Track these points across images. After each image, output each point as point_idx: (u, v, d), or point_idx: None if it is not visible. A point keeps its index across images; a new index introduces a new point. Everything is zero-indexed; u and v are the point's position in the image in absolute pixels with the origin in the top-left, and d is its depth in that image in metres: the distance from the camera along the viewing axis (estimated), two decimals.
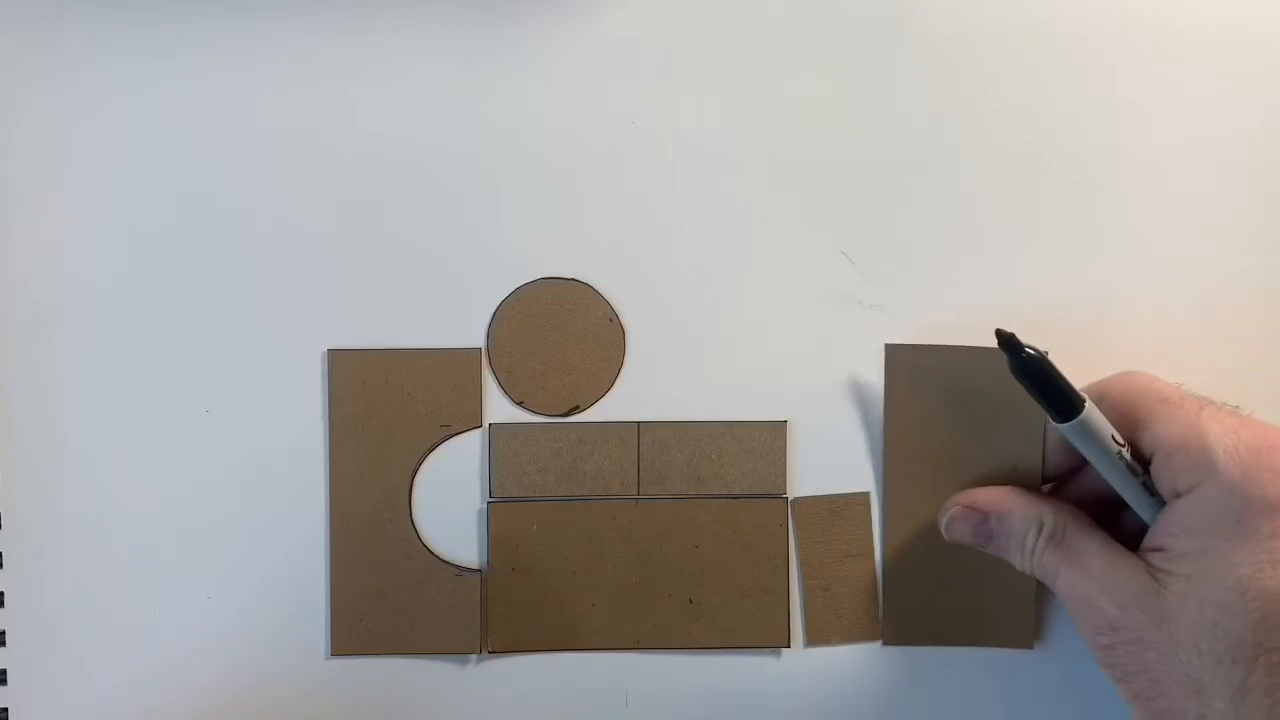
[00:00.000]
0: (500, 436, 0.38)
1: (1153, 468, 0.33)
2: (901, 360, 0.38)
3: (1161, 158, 0.39)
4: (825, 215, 0.38)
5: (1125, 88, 0.39)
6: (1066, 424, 0.33)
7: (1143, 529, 0.34)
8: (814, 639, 0.38)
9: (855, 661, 0.38)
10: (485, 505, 0.38)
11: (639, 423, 0.38)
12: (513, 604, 0.38)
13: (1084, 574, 0.33)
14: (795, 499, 0.38)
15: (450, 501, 0.38)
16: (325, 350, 0.38)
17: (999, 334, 0.33)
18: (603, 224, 0.38)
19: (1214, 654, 0.30)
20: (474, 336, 0.38)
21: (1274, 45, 0.39)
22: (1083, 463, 0.35)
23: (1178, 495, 0.32)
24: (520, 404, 0.38)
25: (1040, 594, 0.38)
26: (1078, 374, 0.38)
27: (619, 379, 0.38)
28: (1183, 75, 0.39)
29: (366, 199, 0.38)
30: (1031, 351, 0.33)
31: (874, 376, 0.38)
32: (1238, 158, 0.39)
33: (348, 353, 0.38)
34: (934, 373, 0.38)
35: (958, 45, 0.39)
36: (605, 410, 0.38)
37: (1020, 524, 0.35)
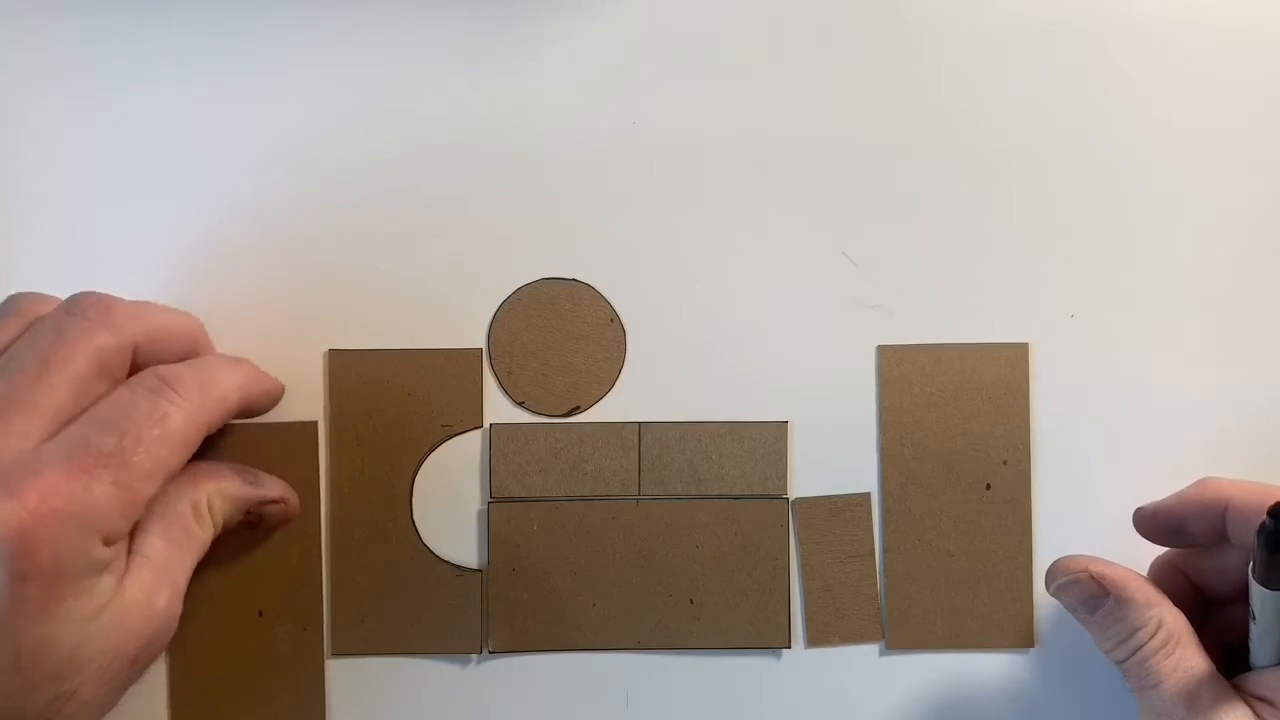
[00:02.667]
0: (501, 437, 0.38)
1: None
2: (894, 362, 0.38)
3: (1162, 157, 0.39)
4: (826, 215, 0.38)
5: (1126, 87, 0.39)
6: (1274, 592, 0.31)
7: (1227, 642, 0.33)
8: (815, 640, 0.38)
9: (856, 662, 0.38)
10: (485, 505, 0.38)
11: (639, 423, 0.38)
12: (513, 604, 0.38)
13: (1185, 699, 0.31)
14: (796, 499, 0.38)
15: (450, 501, 0.38)
16: (325, 350, 0.38)
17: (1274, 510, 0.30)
18: (603, 224, 0.38)
19: None
20: (475, 337, 0.38)
21: (1275, 44, 0.39)
22: (1236, 591, 0.34)
23: None
24: (521, 404, 0.38)
25: (1040, 595, 0.38)
26: (1077, 373, 0.38)
27: (619, 379, 0.38)
28: (1183, 75, 0.39)
29: (367, 199, 0.38)
30: None
31: (874, 377, 0.38)
32: (1239, 157, 0.39)
33: (348, 353, 0.38)
34: (926, 373, 0.38)
35: (958, 45, 0.39)
36: (606, 410, 0.38)
37: (1138, 616, 0.33)
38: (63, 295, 0.33)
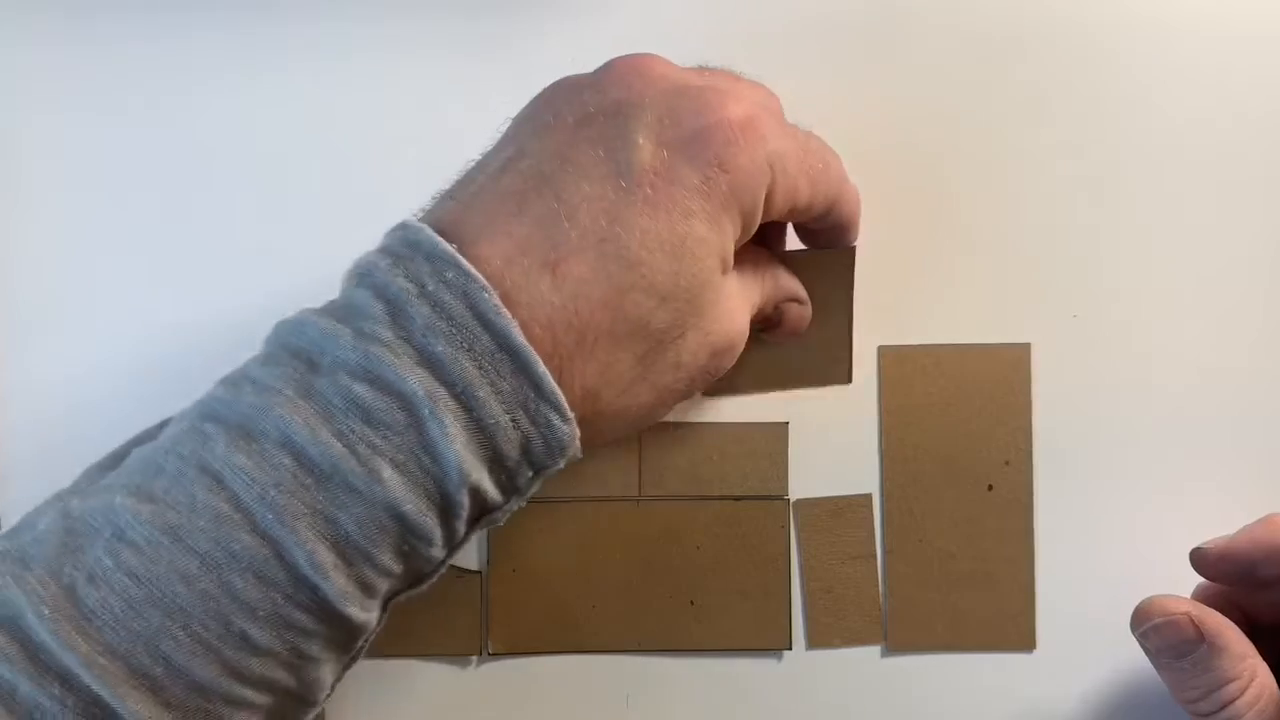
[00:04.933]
0: None
1: None
2: (895, 362, 0.38)
3: (1162, 157, 0.39)
4: None
5: (1127, 87, 0.39)
6: None
7: None
8: (815, 641, 0.38)
9: (857, 664, 0.38)
10: None
11: None
12: (513, 605, 0.38)
13: None
14: (796, 500, 0.38)
15: None
16: None
17: None
18: None
19: None
20: None
21: (1276, 44, 0.39)
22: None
23: None
24: None
25: (1041, 597, 0.38)
26: (1079, 373, 0.38)
27: None
28: (1185, 75, 0.39)
29: (367, 198, 0.38)
30: None
31: (875, 377, 0.38)
32: (1241, 157, 0.39)
33: None
34: (927, 373, 0.38)
35: (959, 45, 0.39)
36: None
37: (1232, 668, 0.31)
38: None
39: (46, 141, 0.38)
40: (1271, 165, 0.39)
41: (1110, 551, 0.38)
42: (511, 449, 0.28)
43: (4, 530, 0.29)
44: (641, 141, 0.28)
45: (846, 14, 0.39)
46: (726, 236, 0.30)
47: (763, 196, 0.30)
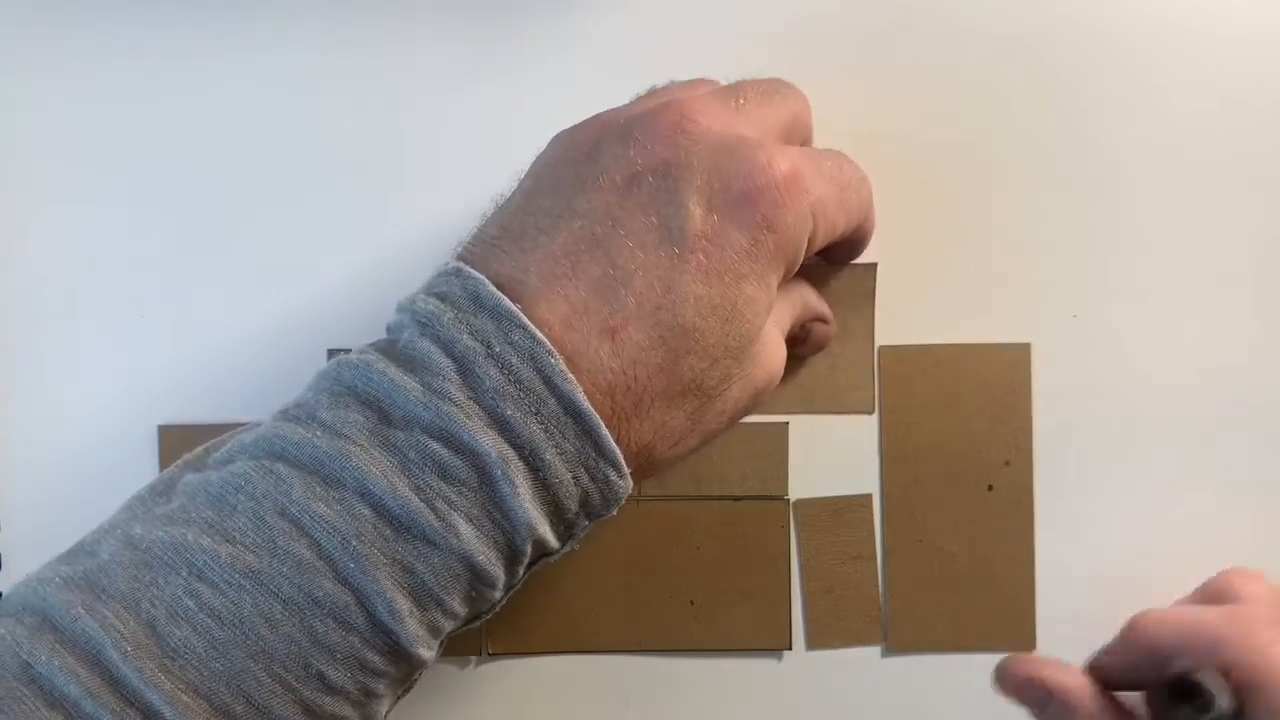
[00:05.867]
0: None
1: None
2: (895, 362, 0.38)
3: (1162, 156, 0.39)
4: None
5: (1127, 86, 0.39)
6: None
7: None
8: (815, 642, 0.38)
9: (857, 665, 0.38)
10: None
11: None
12: (513, 605, 0.38)
13: None
14: (797, 500, 0.38)
15: None
16: (325, 350, 0.38)
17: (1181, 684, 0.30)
18: None
19: None
20: None
21: (1276, 45, 0.39)
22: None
23: None
24: None
25: (1042, 597, 0.38)
26: (1079, 373, 0.38)
27: None
28: (1185, 74, 0.39)
29: (367, 198, 0.38)
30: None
31: (875, 377, 0.38)
32: (1242, 157, 0.39)
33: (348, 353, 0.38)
34: (927, 373, 0.38)
35: (959, 45, 0.39)
36: None
37: None
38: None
39: (46, 140, 0.38)
40: (1272, 165, 0.38)
41: (1110, 551, 0.38)
42: (572, 503, 0.29)
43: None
44: (692, 208, 0.29)
45: (846, 13, 0.39)
46: (772, 290, 0.31)
47: (805, 244, 0.31)
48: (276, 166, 0.38)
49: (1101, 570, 0.38)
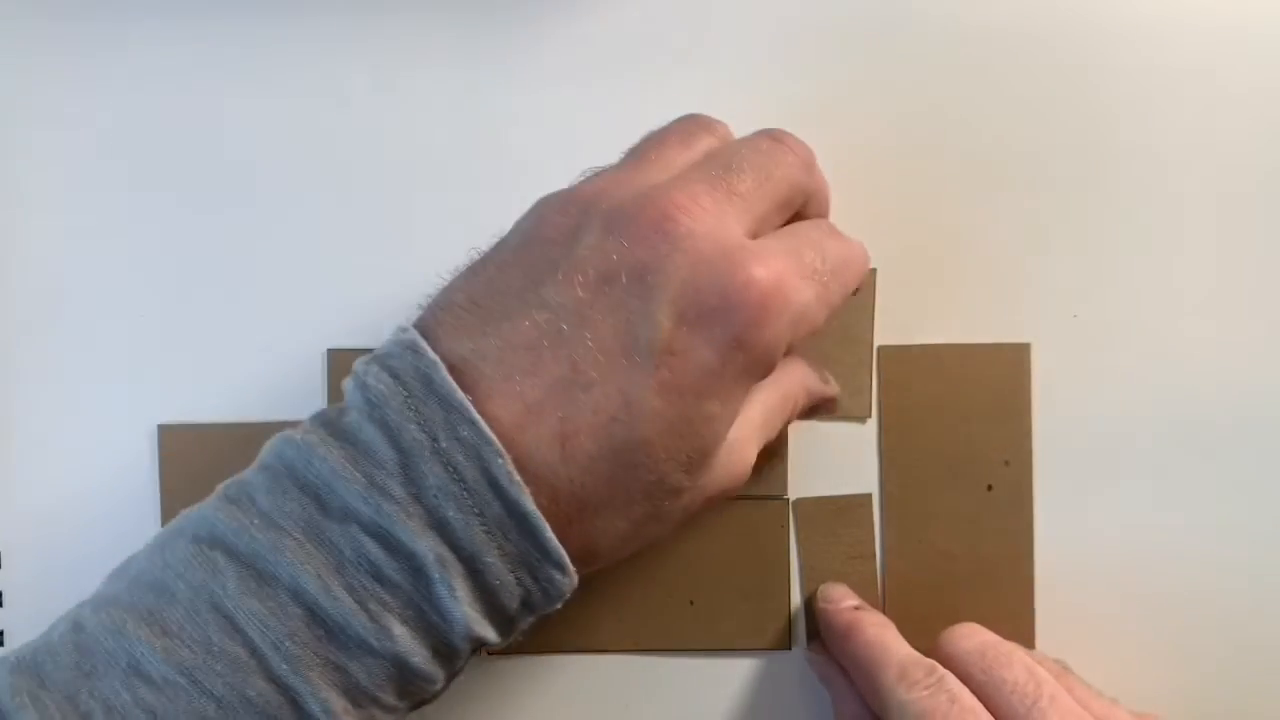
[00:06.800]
0: None
1: None
2: (894, 362, 0.38)
3: (1164, 157, 0.39)
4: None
5: (1127, 87, 0.39)
6: None
7: None
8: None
9: None
10: None
11: None
12: None
13: None
14: (796, 500, 0.38)
15: None
16: (325, 350, 0.38)
17: None
18: None
19: None
20: None
21: (1276, 44, 0.39)
22: None
23: None
24: None
25: (1041, 597, 0.38)
26: (1079, 373, 0.38)
27: None
28: (1185, 74, 0.39)
29: (367, 198, 0.38)
30: None
31: (875, 377, 0.38)
32: (1241, 156, 0.39)
33: (348, 352, 0.38)
34: (927, 373, 0.38)
35: (959, 45, 0.39)
36: None
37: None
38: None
39: (46, 140, 0.38)
40: (1272, 165, 0.39)
41: (1110, 551, 0.38)
42: (513, 602, 0.29)
43: None
44: (662, 319, 0.28)
45: (847, 14, 0.39)
46: (738, 402, 0.30)
47: (781, 353, 0.30)
48: (277, 167, 0.38)
49: (1101, 570, 0.38)
